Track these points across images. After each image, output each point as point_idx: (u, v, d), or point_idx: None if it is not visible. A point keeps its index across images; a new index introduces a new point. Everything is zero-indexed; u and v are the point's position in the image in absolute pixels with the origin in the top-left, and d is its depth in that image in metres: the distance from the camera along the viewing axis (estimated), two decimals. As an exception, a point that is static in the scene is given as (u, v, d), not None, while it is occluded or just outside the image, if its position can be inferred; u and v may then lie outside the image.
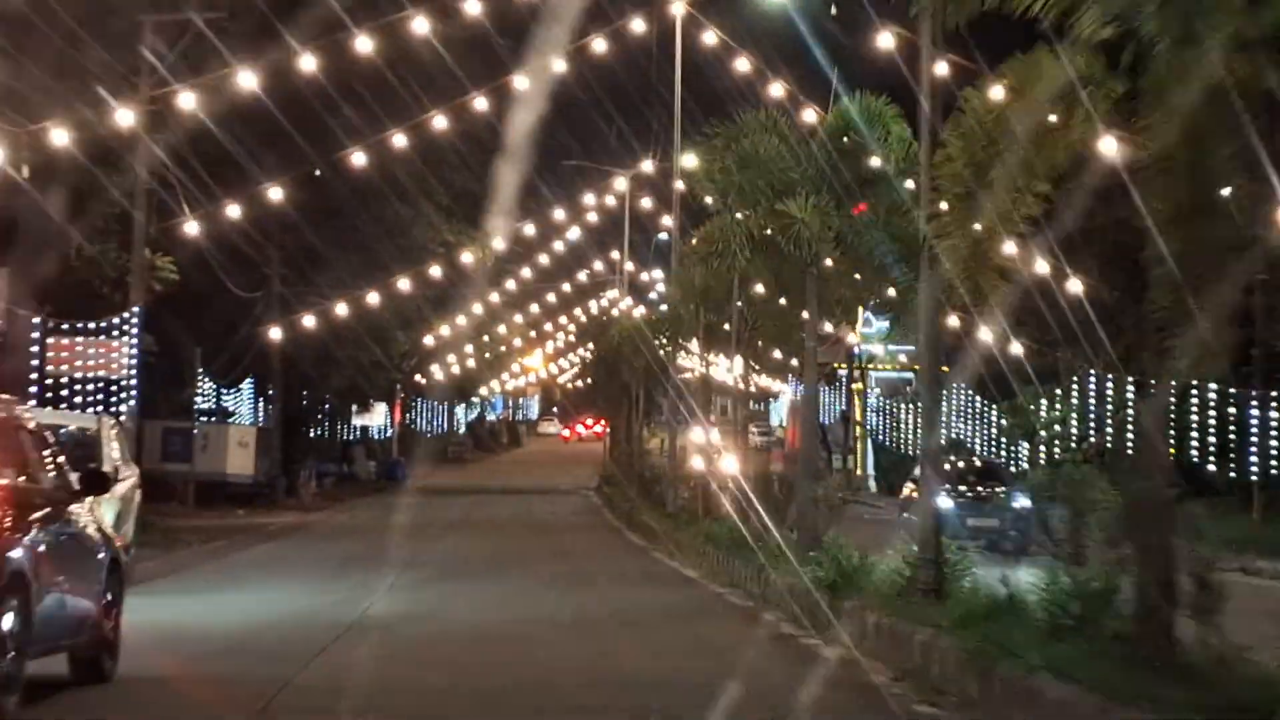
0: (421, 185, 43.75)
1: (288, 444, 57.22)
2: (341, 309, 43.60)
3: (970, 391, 51.74)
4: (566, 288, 67.63)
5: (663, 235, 68.86)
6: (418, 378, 67.50)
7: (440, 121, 33.95)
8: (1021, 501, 27.46)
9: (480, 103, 34.09)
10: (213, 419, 50.86)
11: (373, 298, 44.07)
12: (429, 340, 56.72)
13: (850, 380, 64.63)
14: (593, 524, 40.16)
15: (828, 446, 61.15)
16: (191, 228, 33.55)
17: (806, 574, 17.25)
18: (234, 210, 33.90)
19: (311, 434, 66.04)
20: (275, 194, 33.58)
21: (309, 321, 43.40)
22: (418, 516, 45.64)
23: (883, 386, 66.87)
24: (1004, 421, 47.23)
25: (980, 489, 29.68)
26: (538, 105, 40.06)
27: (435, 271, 42.34)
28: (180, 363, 46.94)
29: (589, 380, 73.00)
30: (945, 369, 58.65)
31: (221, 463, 45.67)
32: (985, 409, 49.66)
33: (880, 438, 64.24)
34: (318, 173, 34.45)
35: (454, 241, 43.42)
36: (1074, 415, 42.69)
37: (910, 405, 62.09)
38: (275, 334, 43.87)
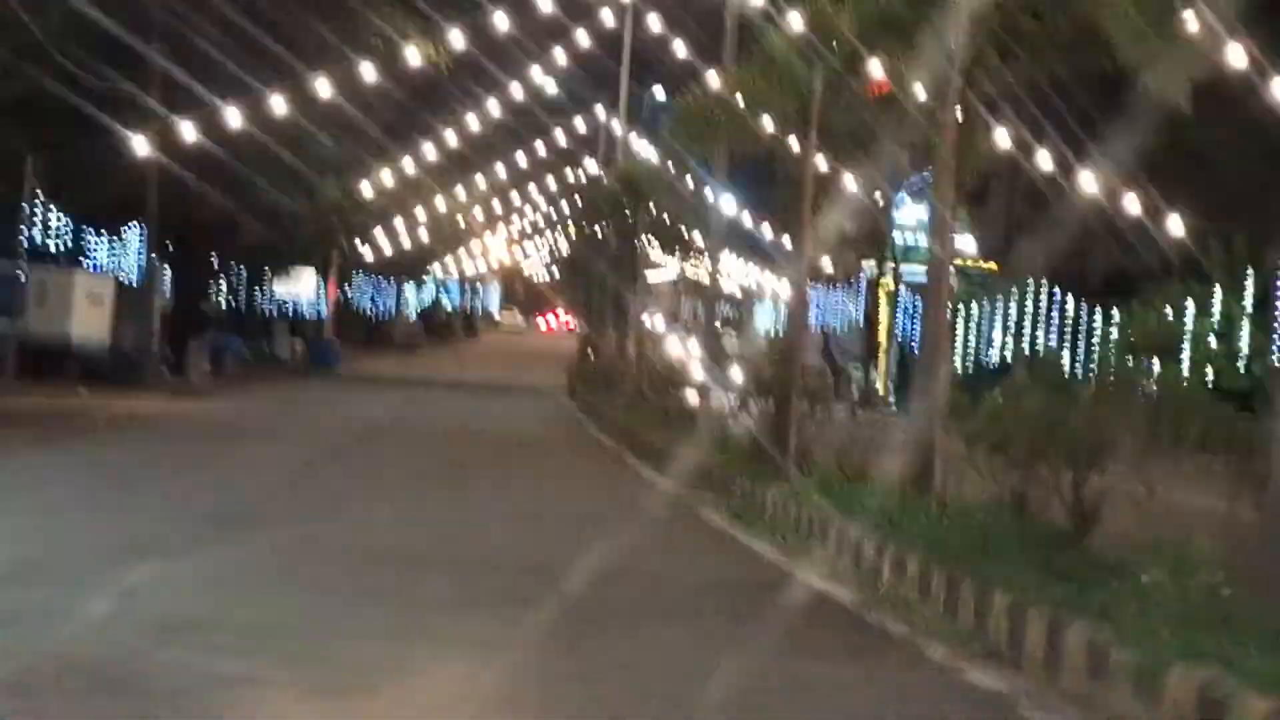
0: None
1: (182, 310, 43.24)
2: (245, 125, 29.27)
3: (1054, 290, 38.05)
4: (540, 148, 53.11)
5: (656, 90, 54.90)
6: (357, 242, 53.19)
7: None
8: None
9: None
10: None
11: (287, 110, 29.83)
12: (367, 189, 42.41)
13: (877, 278, 50.85)
14: (579, 442, 26.31)
15: (832, 357, 47.87)
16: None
17: None
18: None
19: (225, 302, 51.96)
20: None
21: (196, 136, 28.94)
22: (332, 414, 31.93)
23: (915, 288, 52.77)
24: (1122, 330, 33.39)
25: None
26: None
27: (370, 75, 27.73)
28: (14, 188, 32.78)
29: (564, 264, 58.72)
30: (993, 265, 44.70)
31: (64, 322, 31.73)
32: (1086, 313, 35.95)
33: (911, 349, 50.57)
34: None
35: (397, 37, 29.14)
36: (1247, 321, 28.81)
37: (965, 308, 48.31)
38: (145, 149, 29.37)
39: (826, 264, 59.05)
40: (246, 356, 45.99)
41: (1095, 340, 35.35)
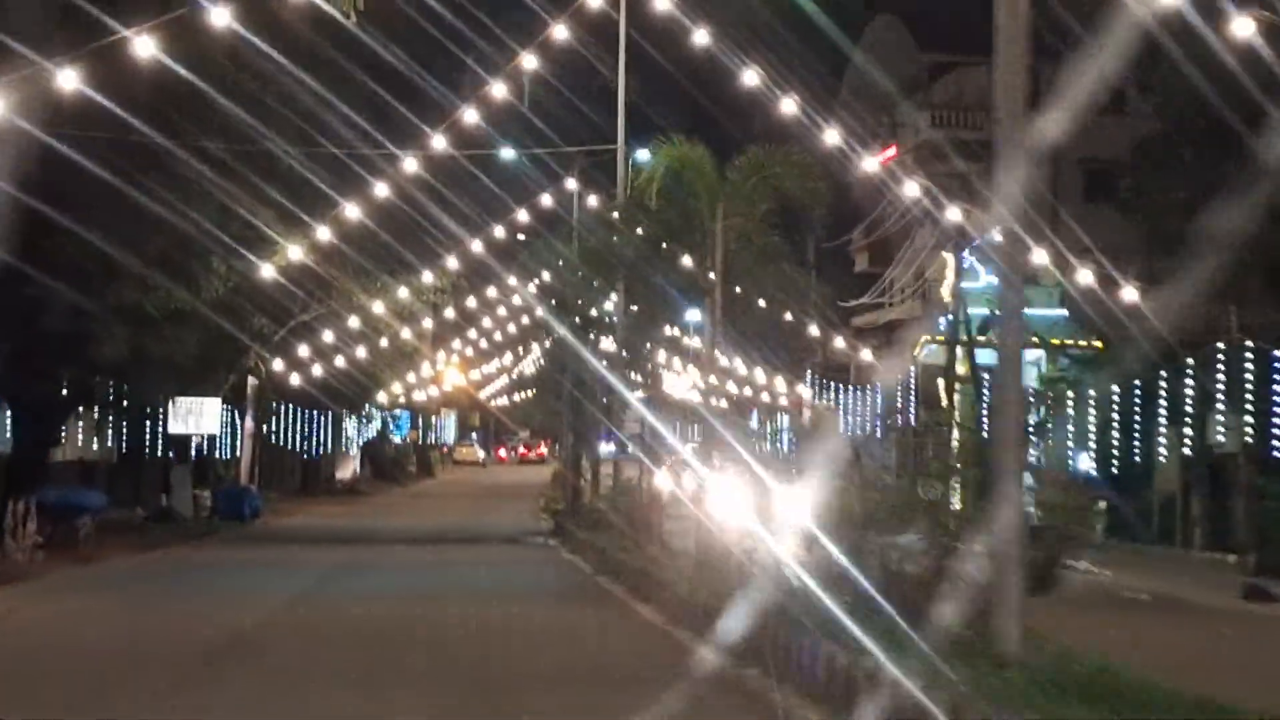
0: None
1: (18, 458, 30.70)
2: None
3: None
4: (499, 232, 40.43)
5: (641, 153, 42.74)
6: (277, 363, 40.54)
7: None
8: None
9: None
10: None
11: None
12: (271, 270, 30.00)
13: (951, 362, 38.52)
14: (624, 636, 13.83)
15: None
16: None
17: None
18: None
19: (106, 443, 39.29)
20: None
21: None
22: (198, 602, 19.49)
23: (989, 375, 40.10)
24: None
25: None
26: None
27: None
28: None
29: (542, 370, 46.08)
30: (1097, 343, 32.39)
31: None
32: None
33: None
34: None
35: None
36: None
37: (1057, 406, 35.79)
38: None
39: (866, 355, 47.22)
40: (137, 515, 33.46)
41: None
